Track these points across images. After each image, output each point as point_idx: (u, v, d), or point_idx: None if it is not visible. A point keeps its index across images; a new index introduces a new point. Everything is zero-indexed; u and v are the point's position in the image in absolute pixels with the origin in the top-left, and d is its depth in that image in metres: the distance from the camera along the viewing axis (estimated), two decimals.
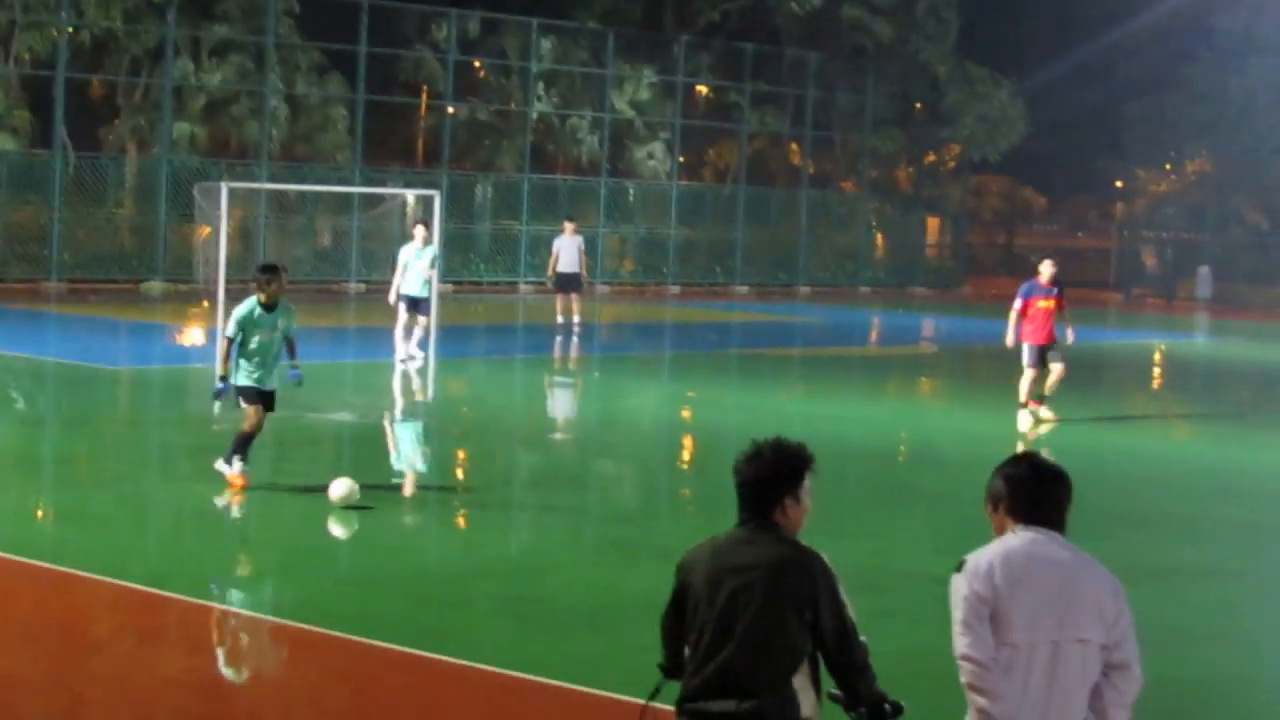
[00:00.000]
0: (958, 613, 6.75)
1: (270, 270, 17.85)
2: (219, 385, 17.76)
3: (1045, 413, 25.44)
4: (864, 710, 6.89)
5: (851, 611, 6.92)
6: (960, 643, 6.70)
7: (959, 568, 6.81)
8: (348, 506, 16.58)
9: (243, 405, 17.60)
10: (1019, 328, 25.62)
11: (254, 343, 17.46)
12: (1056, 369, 25.52)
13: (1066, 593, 6.76)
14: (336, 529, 16.49)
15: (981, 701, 6.65)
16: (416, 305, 30.45)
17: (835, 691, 6.96)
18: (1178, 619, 14.46)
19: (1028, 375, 25.47)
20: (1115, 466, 23.14)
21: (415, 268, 30.60)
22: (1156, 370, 39.91)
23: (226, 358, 17.60)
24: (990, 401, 29.44)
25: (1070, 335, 26.16)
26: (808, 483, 7.02)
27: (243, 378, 17.54)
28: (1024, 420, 25.31)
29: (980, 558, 6.81)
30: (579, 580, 14.93)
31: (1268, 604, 15.64)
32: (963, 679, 6.69)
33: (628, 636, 12.42)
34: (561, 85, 58.69)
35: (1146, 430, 26.79)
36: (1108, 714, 6.80)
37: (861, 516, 18.27)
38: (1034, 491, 6.92)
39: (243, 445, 17.49)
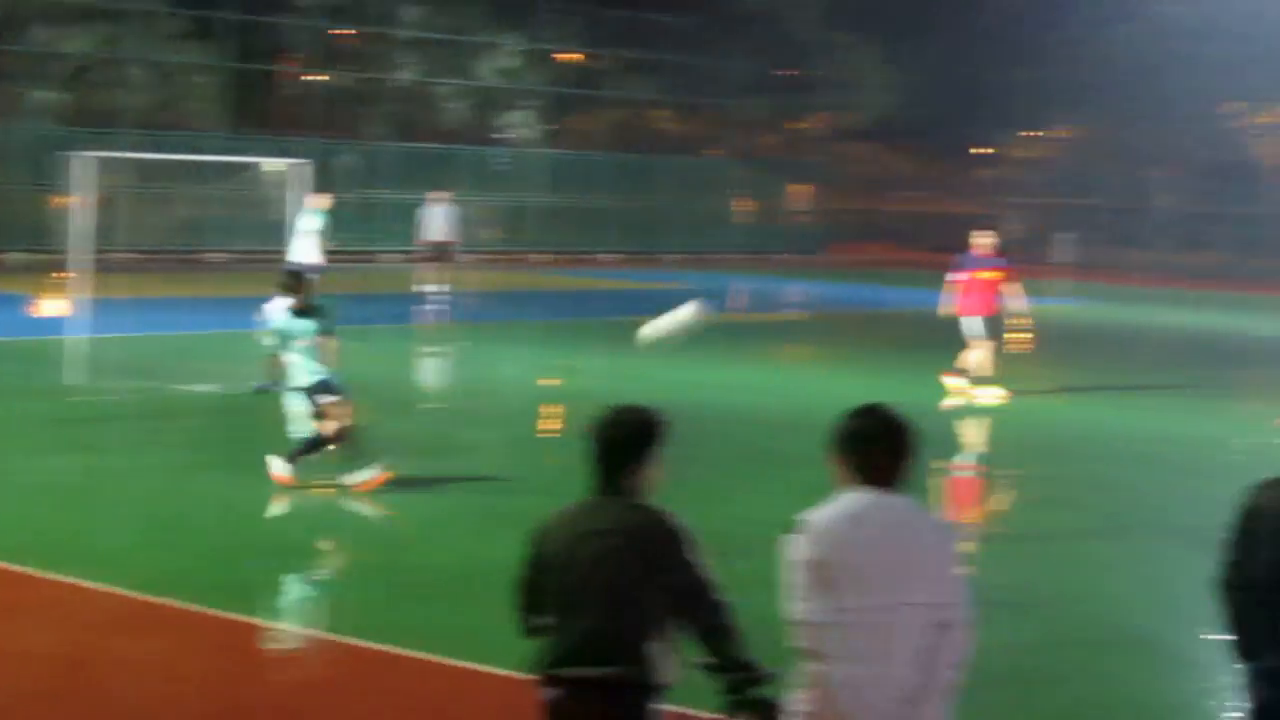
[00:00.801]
0: (792, 575, 6.67)
1: (295, 277, 17.31)
2: (264, 384, 17.03)
3: (957, 383, 25.23)
4: (731, 675, 6.84)
5: (709, 573, 6.88)
6: (795, 606, 6.64)
7: (795, 528, 6.75)
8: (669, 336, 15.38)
9: (324, 403, 17.09)
10: (957, 299, 25.33)
11: (298, 348, 16.92)
12: (995, 345, 25.31)
13: (903, 555, 6.68)
14: (200, 501, 16.30)
15: (817, 666, 6.59)
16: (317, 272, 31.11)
17: (700, 658, 6.90)
18: (1055, 580, 14.70)
19: (980, 348, 25.22)
20: (991, 431, 23.32)
21: (315, 236, 31.21)
22: (1026, 335, 40.17)
23: (276, 364, 16.92)
24: (857, 365, 29.55)
25: (1014, 306, 25.89)
26: (660, 447, 6.99)
27: (305, 378, 17.00)
28: (991, 395, 25.23)
29: (817, 518, 6.73)
30: (446, 549, 14.86)
31: (1142, 565, 15.77)
32: (797, 643, 6.63)
33: (494, 606, 12.32)
34: (428, 52, 58.39)
35: (1021, 395, 26.87)
36: (939, 674, 6.73)
37: (729, 481, 18.32)
38: (874, 446, 6.78)
39: (348, 448, 16.99)
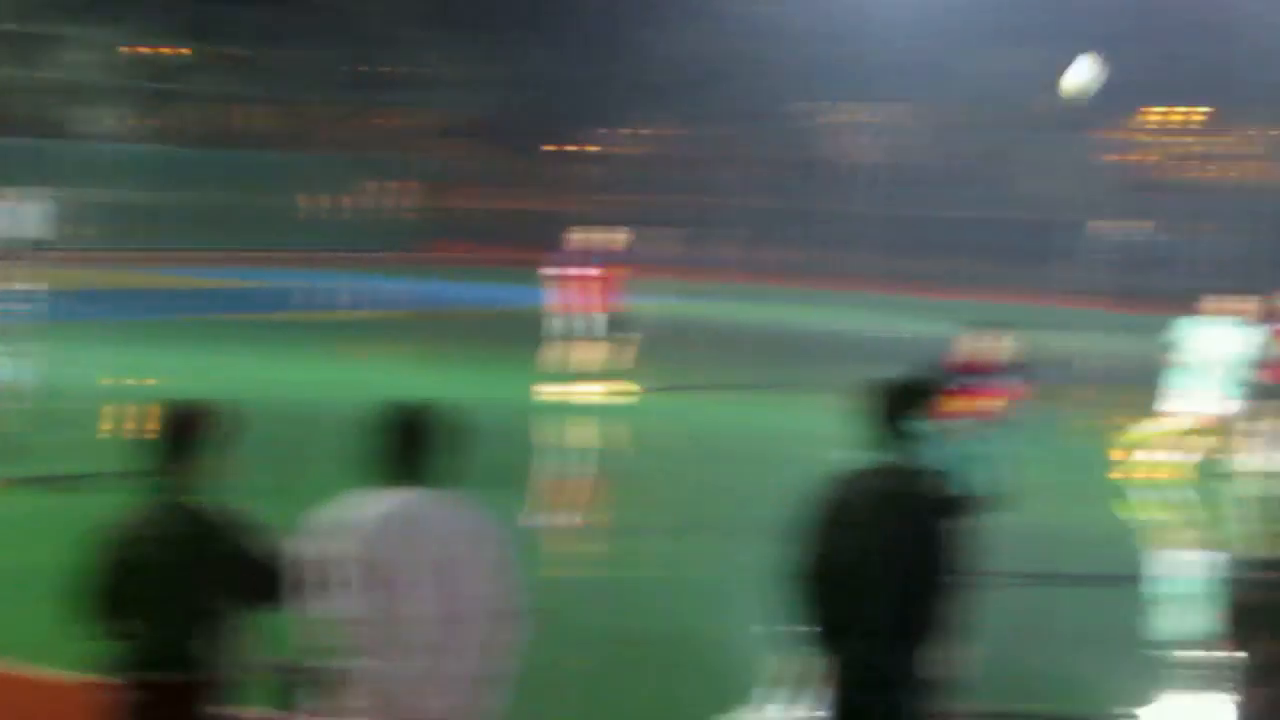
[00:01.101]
0: (327, 572, 6.68)
1: None
2: None
3: (577, 387, 25.29)
4: (288, 673, 6.84)
5: (273, 552, 6.89)
6: (336, 604, 6.66)
7: (310, 526, 6.76)
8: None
9: None
10: (566, 296, 25.24)
11: None
12: (601, 344, 25.40)
13: (444, 551, 6.75)
14: None
15: (361, 662, 6.62)
16: None
17: (260, 658, 6.93)
18: (616, 577, 14.99)
19: (587, 346, 25.21)
20: (585, 430, 23.46)
21: None
22: (632, 333, 40.56)
23: None
24: (447, 362, 29.51)
25: (625, 304, 25.92)
26: (212, 443, 6.96)
27: None
28: (594, 391, 25.16)
29: (351, 516, 6.75)
30: (13, 553, 14.44)
31: (711, 560, 15.93)
32: (336, 640, 6.65)
33: (62, 611, 11.94)
34: (12, 44, 56.71)
35: (619, 393, 26.83)
36: (485, 667, 6.80)
37: (311, 479, 18.02)
38: (404, 443, 6.85)
39: None
